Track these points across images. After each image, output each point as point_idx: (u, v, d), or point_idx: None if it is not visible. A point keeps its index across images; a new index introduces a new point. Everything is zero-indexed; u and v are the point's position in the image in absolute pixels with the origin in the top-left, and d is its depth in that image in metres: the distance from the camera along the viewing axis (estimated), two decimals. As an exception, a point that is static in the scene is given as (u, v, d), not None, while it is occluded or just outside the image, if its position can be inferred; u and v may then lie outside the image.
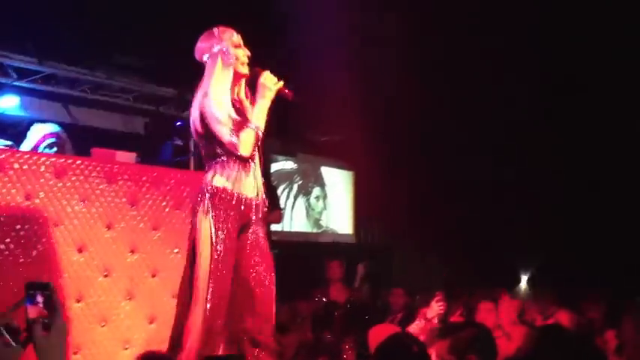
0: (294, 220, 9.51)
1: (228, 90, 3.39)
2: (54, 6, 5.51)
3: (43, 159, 4.03)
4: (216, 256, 3.23)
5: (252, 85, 3.48)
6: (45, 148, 4.76)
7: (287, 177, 9.57)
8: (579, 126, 8.22)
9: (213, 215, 3.27)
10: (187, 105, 7.15)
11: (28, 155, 3.99)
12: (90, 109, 6.90)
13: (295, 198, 9.62)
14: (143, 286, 4.32)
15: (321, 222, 10.00)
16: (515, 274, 9.58)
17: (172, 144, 7.08)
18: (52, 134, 4.81)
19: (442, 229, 8.66)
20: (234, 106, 3.39)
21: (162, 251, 4.42)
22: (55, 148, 4.75)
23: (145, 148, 5.92)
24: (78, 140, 5.01)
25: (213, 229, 3.25)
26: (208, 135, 3.35)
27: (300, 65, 3.58)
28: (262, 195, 3.48)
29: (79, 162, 4.16)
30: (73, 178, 4.08)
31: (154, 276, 4.37)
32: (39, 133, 4.80)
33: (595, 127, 8.08)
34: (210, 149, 3.40)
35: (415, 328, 4.03)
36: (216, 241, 3.24)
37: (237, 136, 3.29)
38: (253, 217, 3.44)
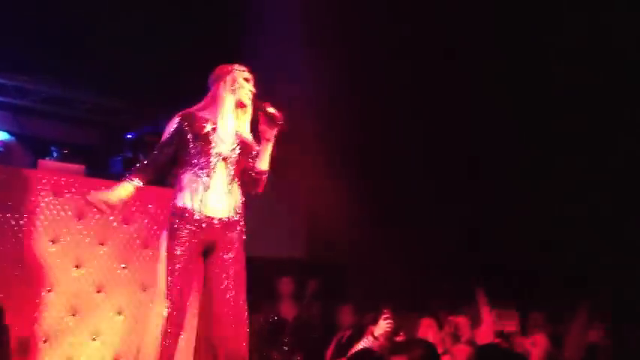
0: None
1: (220, 110, 3.35)
2: (3, 15, 5.40)
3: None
4: (171, 272, 3.21)
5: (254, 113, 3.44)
6: (-11, 156, 4.65)
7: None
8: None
9: (172, 233, 3.25)
10: (139, 117, 7.12)
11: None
12: (39, 119, 6.74)
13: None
14: (88, 301, 4.23)
15: (274, 238, 9.97)
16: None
17: (123, 157, 6.96)
18: (-3, 142, 4.71)
19: (396, 247, 8.72)
20: (214, 130, 3.30)
21: (109, 266, 4.35)
22: (-3, 157, 4.65)
23: (94, 161, 5.81)
24: (25, 151, 4.92)
25: (169, 247, 3.24)
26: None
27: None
28: (238, 214, 3.41)
29: (24, 173, 4.07)
30: (18, 191, 3.99)
31: (99, 292, 4.29)
32: (-15, 141, 4.69)
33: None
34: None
35: (363, 345, 4.04)
36: (172, 258, 3.22)
37: (147, 161, 3.28)
38: (224, 236, 3.38)
